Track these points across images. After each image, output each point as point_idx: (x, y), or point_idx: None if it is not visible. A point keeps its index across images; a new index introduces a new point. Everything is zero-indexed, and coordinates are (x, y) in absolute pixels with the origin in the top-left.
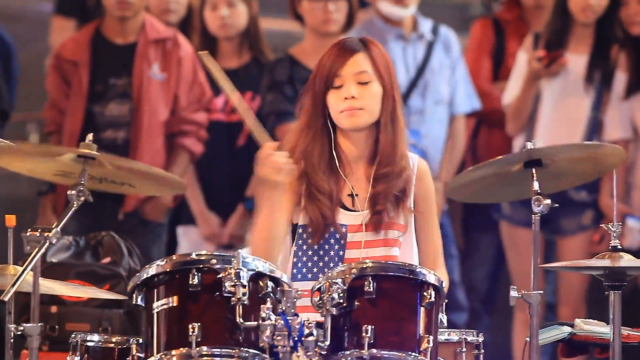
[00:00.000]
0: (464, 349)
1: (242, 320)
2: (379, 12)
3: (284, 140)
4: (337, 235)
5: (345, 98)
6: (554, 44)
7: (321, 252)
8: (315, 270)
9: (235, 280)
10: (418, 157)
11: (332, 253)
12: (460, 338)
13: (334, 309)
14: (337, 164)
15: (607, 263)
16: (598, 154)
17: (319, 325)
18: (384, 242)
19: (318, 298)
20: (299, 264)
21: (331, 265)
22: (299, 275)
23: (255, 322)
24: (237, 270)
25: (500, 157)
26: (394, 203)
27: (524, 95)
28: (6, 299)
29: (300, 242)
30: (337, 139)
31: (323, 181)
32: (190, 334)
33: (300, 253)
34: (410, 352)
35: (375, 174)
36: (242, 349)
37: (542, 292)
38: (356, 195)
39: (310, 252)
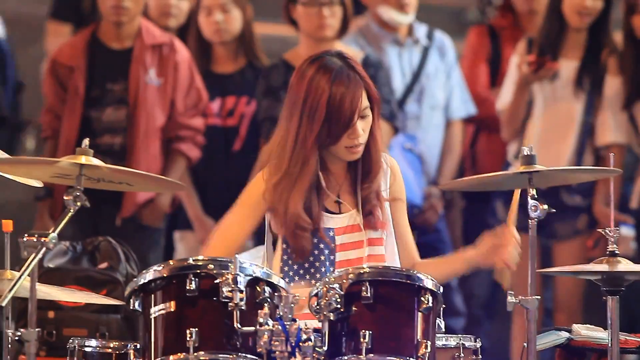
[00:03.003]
0: (462, 355)
1: (239, 326)
2: (378, 17)
3: (264, 157)
4: (327, 240)
5: (354, 137)
6: (547, 49)
7: (311, 258)
8: (307, 276)
9: (233, 286)
10: (389, 156)
11: (322, 258)
12: (457, 343)
13: (332, 314)
14: (324, 183)
15: (605, 268)
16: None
17: (317, 331)
18: (368, 241)
19: (315, 303)
20: (290, 272)
21: (322, 269)
22: (286, 279)
23: (253, 328)
24: (235, 276)
25: (500, 172)
26: (377, 198)
27: (516, 101)
28: (3, 304)
29: (289, 250)
30: (322, 155)
31: (302, 220)
32: (188, 339)
33: (290, 261)
34: (408, 358)
35: (362, 186)
36: (239, 354)
37: (539, 297)
38: (341, 202)
39: (311, 259)
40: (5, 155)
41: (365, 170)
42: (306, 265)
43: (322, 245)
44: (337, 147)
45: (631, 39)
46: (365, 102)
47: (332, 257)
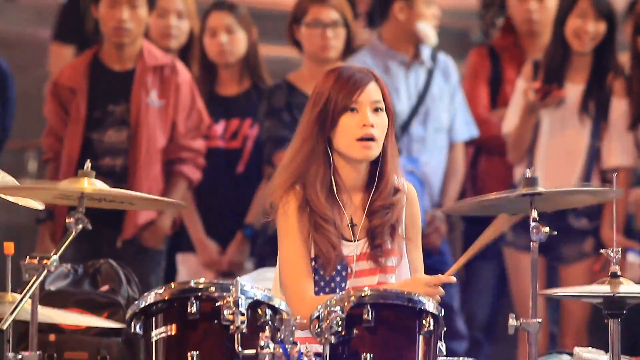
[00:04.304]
0: None
1: (240, 349)
2: (388, 36)
3: (279, 164)
4: (339, 267)
5: (364, 125)
6: (553, 73)
7: (332, 284)
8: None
9: (234, 309)
10: (406, 182)
11: (332, 285)
12: None
13: (333, 337)
14: (336, 192)
15: (606, 290)
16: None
17: (318, 355)
18: (381, 270)
19: (317, 326)
20: None
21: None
22: None
23: (254, 351)
24: (236, 299)
25: (503, 193)
26: (389, 233)
27: (523, 125)
28: (4, 327)
29: (315, 275)
30: (335, 165)
31: (327, 209)
32: None
33: (316, 288)
34: None
35: (372, 206)
36: None
37: (540, 320)
38: (354, 225)
39: (322, 283)
40: (9, 178)
41: (380, 187)
42: (327, 290)
43: (333, 273)
44: (345, 136)
45: (638, 60)
46: (377, 95)
47: (343, 285)
